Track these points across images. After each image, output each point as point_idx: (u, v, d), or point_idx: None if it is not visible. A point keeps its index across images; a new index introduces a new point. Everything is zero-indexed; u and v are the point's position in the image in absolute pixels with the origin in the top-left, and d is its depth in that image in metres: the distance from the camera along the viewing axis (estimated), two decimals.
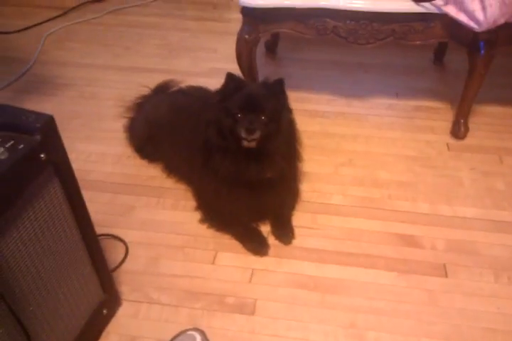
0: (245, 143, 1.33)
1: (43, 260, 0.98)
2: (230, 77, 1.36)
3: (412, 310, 1.33)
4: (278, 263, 1.45)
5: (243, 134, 1.31)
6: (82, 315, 1.17)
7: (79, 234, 1.08)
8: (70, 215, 1.04)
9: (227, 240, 1.52)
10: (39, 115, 0.92)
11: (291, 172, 1.52)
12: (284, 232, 1.53)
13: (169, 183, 1.72)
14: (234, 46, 1.83)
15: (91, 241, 1.13)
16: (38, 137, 0.89)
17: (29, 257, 0.94)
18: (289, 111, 1.42)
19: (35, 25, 2.70)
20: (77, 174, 1.03)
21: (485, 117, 2.01)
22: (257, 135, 1.31)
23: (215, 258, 1.47)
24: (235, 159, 1.38)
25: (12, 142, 0.87)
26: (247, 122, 1.31)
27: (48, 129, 0.91)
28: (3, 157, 0.84)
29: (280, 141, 1.39)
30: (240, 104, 1.34)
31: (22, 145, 0.87)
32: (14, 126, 0.89)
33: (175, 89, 1.86)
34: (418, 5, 1.62)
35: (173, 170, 1.74)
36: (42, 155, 0.91)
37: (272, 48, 2.44)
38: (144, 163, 1.81)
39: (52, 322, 1.06)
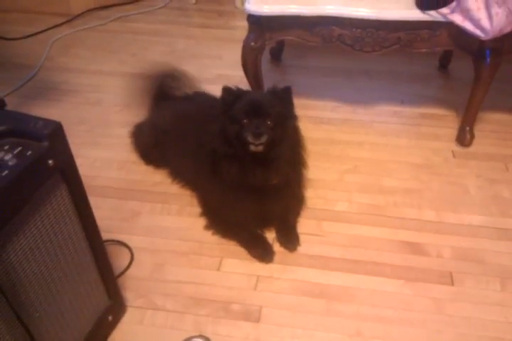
0: (252, 148, 1.33)
1: (49, 266, 0.98)
2: (226, 90, 1.38)
3: (418, 319, 1.32)
4: (283, 270, 1.45)
5: (250, 139, 1.31)
6: (87, 321, 1.17)
7: (85, 240, 1.08)
8: (77, 221, 1.04)
9: (233, 246, 1.52)
10: (47, 121, 0.92)
11: (296, 178, 1.53)
12: (289, 239, 1.53)
13: (174, 189, 1.72)
14: (239, 53, 1.84)
15: (97, 247, 1.13)
16: (46, 143, 0.89)
17: (36, 263, 0.94)
18: (295, 118, 1.43)
19: (41, 31, 2.72)
20: (83, 180, 1.03)
21: (491, 124, 2.01)
22: (264, 139, 1.32)
23: (220, 264, 1.47)
24: (241, 165, 1.38)
25: (20, 148, 0.87)
26: (253, 127, 1.32)
27: (55, 136, 0.92)
28: (11, 163, 0.84)
29: (285, 147, 1.40)
30: (245, 109, 1.35)
31: (30, 152, 0.87)
32: (22, 133, 0.90)
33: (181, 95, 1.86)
34: (424, 13, 1.63)
35: (178, 176, 1.74)
36: (50, 162, 0.91)
37: (277, 55, 2.45)
38: (149, 168, 1.82)
39: (58, 328, 1.05)
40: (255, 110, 1.34)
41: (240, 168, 1.39)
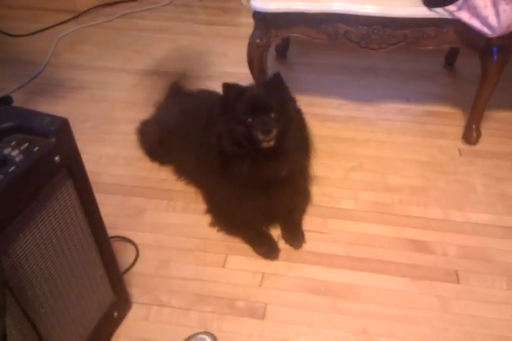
0: (265, 144, 1.33)
1: (56, 262, 0.98)
2: (227, 86, 1.36)
3: (424, 317, 1.32)
4: (288, 268, 1.45)
5: (260, 136, 1.31)
6: (92, 317, 1.17)
7: (91, 236, 1.09)
8: (83, 217, 1.04)
9: (238, 243, 1.52)
10: (54, 118, 0.92)
11: (305, 163, 1.51)
12: (295, 236, 1.53)
13: (180, 186, 1.73)
14: (244, 50, 1.83)
15: (103, 243, 1.13)
16: (52, 140, 0.90)
17: (42, 259, 0.94)
18: (294, 100, 1.42)
19: (47, 28, 2.72)
20: (88, 176, 1.03)
21: (497, 122, 2.00)
22: (273, 133, 1.31)
23: (225, 261, 1.47)
24: (253, 162, 1.37)
25: (27, 144, 0.88)
26: (260, 124, 1.31)
27: (62, 132, 0.92)
28: (18, 159, 0.84)
29: (293, 133, 1.38)
30: (246, 109, 1.34)
31: (37, 148, 0.87)
32: (29, 129, 0.90)
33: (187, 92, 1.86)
34: (431, 10, 1.62)
35: (183, 172, 1.74)
36: (56, 158, 0.91)
37: (282, 52, 2.45)
38: (154, 165, 1.82)
39: (64, 324, 1.06)
40: (257, 107, 1.33)
41: (253, 164, 1.37)
